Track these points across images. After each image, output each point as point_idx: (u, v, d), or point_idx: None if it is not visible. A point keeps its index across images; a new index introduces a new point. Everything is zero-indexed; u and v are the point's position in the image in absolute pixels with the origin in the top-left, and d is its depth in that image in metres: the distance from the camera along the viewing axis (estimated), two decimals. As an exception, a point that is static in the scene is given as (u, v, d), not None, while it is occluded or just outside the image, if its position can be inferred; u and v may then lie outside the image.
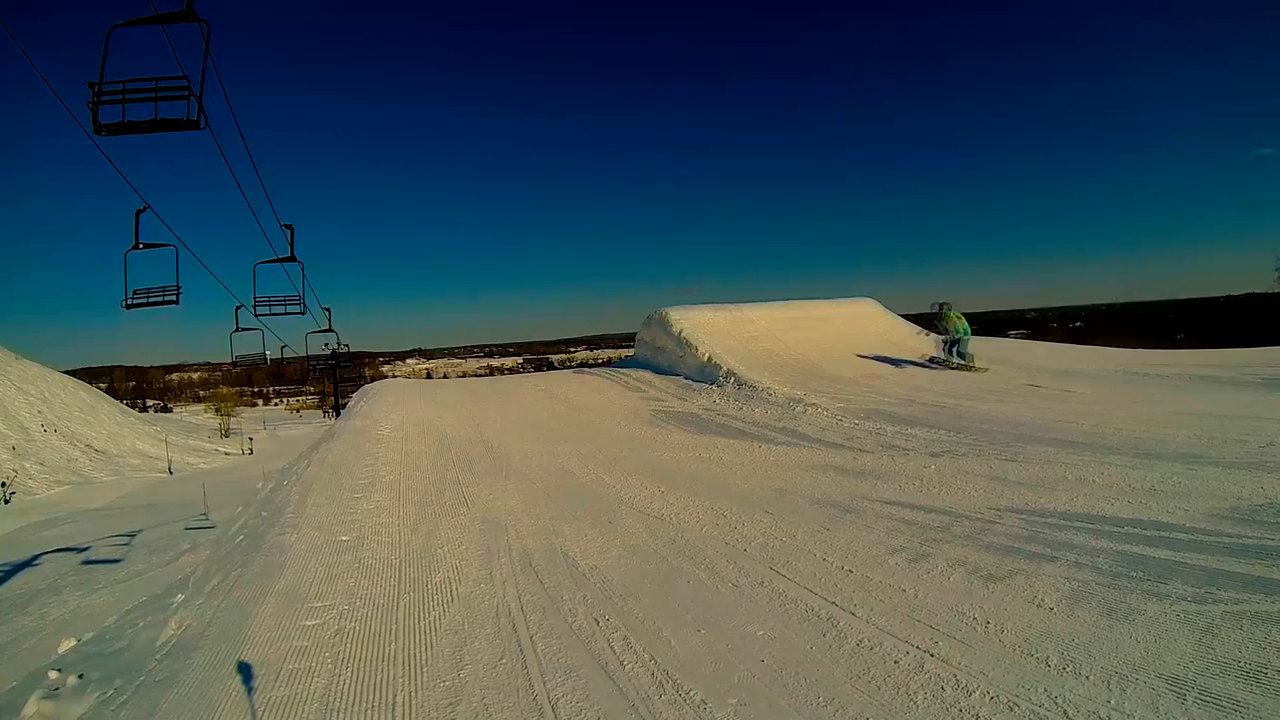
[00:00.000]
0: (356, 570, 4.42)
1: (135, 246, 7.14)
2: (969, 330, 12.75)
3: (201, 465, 36.41)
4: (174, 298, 7.65)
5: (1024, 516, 4.56)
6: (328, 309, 22.40)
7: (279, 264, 10.46)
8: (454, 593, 4.10)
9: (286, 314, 11.94)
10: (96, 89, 4.69)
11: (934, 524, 4.63)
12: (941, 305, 13.12)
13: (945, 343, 12.85)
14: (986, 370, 11.90)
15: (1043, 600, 3.37)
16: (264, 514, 6.21)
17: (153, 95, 4.77)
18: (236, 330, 13.69)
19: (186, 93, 4.72)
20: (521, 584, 4.18)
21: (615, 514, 5.52)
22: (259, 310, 11.53)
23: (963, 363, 12.33)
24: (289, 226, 10.43)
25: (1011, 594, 3.48)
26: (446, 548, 4.85)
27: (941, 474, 5.85)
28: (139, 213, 6.99)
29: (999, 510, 4.76)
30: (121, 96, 4.75)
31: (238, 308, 12.80)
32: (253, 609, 3.92)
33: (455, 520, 5.51)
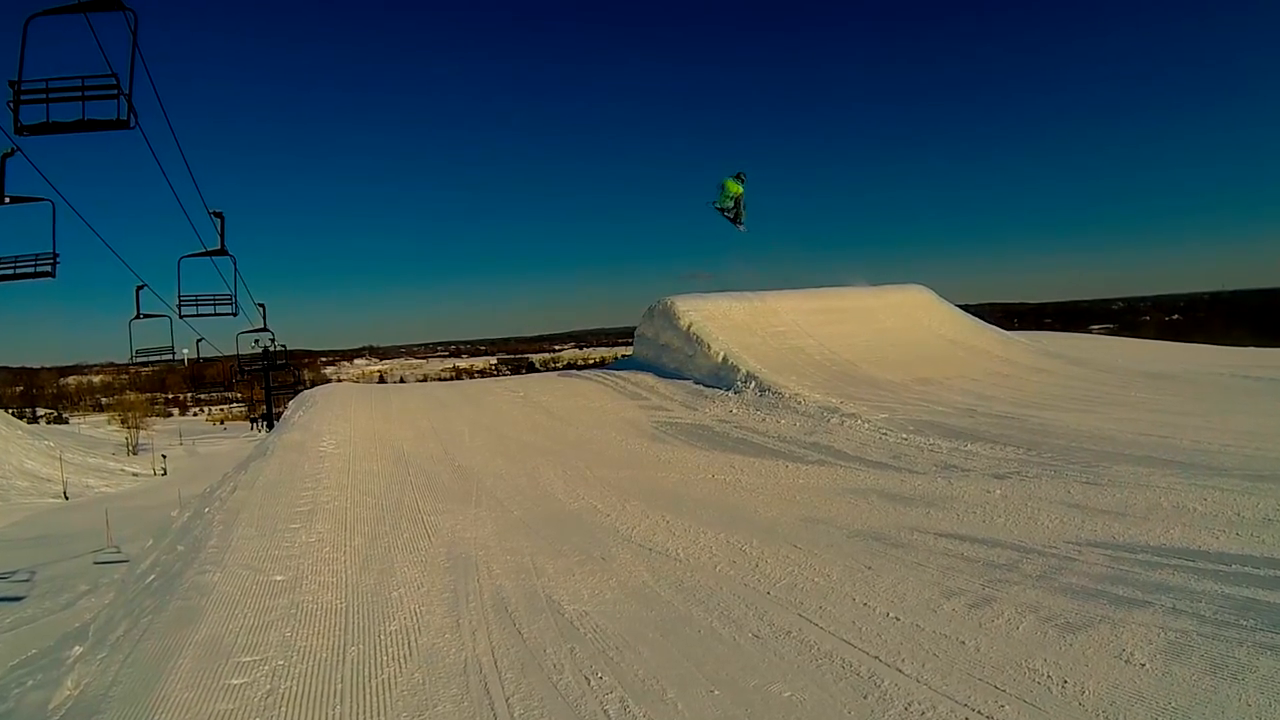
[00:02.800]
0: (293, 617, 4.42)
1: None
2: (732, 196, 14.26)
3: (104, 489, 36.40)
4: (49, 268, 7.59)
5: (1109, 552, 4.56)
6: (262, 305, 22.56)
7: (207, 258, 10.56)
8: (412, 645, 4.09)
9: (216, 315, 12.01)
10: (16, 87, 4.92)
11: (999, 561, 4.62)
12: (739, 174, 14.47)
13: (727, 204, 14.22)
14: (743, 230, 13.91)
15: (1132, 655, 3.37)
16: (180, 548, 6.21)
17: (79, 95, 5.14)
18: (137, 317, 13.37)
19: (116, 92, 5.09)
20: (495, 634, 4.18)
21: (610, 549, 5.52)
22: (184, 310, 11.61)
23: (731, 210, 14.08)
24: (218, 214, 10.53)
25: (1093, 647, 3.48)
26: (403, 590, 4.84)
27: (1008, 500, 5.84)
28: (4, 158, 6.88)
29: (1078, 544, 4.75)
30: (45, 96, 5.03)
31: (139, 288, 12.65)
32: (166, 664, 3.91)
33: (414, 556, 5.51)
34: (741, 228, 14.17)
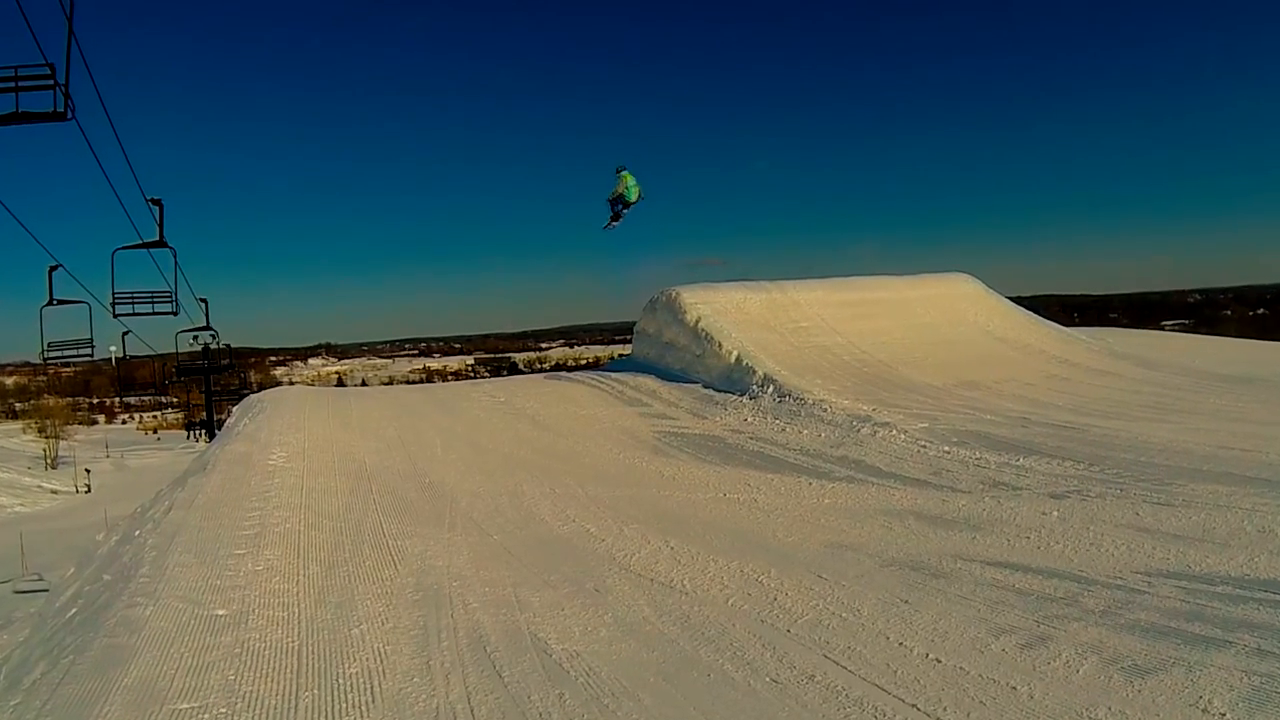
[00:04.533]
0: (238, 658, 4.41)
1: None
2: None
3: (19, 508, 36.43)
4: None
5: (1183, 584, 4.56)
6: (204, 300, 22.71)
7: (145, 250, 10.61)
8: (376, 690, 4.09)
9: (155, 314, 12.03)
10: None
11: (1056, 594, 4.63)
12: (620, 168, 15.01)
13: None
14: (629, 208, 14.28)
15: (1210, 703, 3.37)
16: (107, 577, 6.21)
17: (13, 86, 5.48)
18: (50, 304, 12.95)
19: (51, 83, 5.39)
20: (471, 678, 4.17)
21: (604, 579, 5.52)
22: (119, 309, 11.65)
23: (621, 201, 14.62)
24: (157, 202, 10.58)
25: (1165, 693, 3.48)
26: (365, 626, 4.84)
27: (1067, 523, 5.85)
28: None
29: (1148, 575, 4.76)
30: None
31: (52, 269, 12.41)
32: (90, 712, 3.91)
33: (378, 587, 5.50)
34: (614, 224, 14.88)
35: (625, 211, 14.50)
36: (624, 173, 14.39)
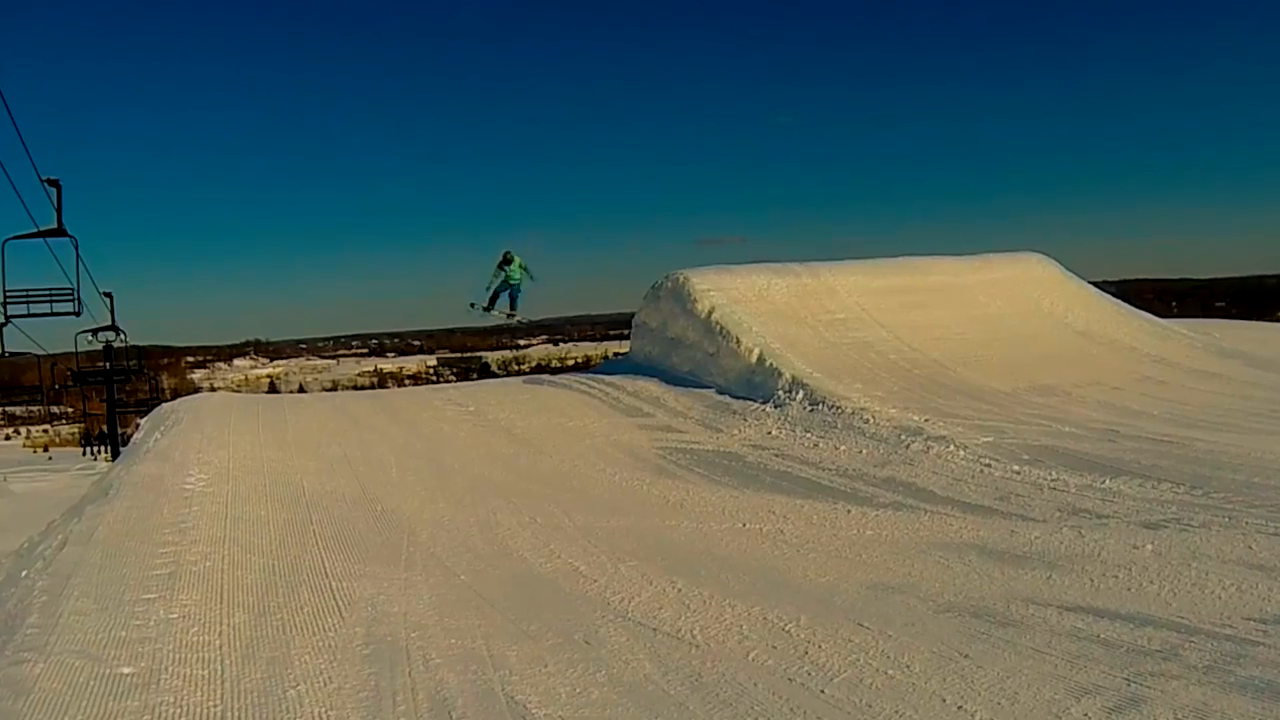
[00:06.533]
0: (147, 726, 4.40)
1: None
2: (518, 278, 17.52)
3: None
4: None
5: (1307, 633, 4.55)
6: (109, 294, 22.72)
7: (40, 239, 10.61)
8: (317, 766, 4.08)
9: (54, 314, 12.06)
10: None
11: (1151, 646, 4.62)
12: (506, 253, 17.50)
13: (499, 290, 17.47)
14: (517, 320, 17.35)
15: (1340, 779, 3.37)
16: (-13, 628, 6.19)
17: None
18: None
19: None
20: (434, 750, 4.16)
21: (597, 628, 5.52)
22: (11, 310, 11.71)
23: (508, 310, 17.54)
24: (53, 182, 10.58)
25: (1286, 768, 3.47)
26: (304, 686, 4.83)
27: (1164, 560, 5.85)
28: None
29: (1263, 622, 4.75)
30: None
31: None
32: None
33: (320, 639, 5.49)
34: (513, 315, 17.85)
35: (511, 299, 17.43)
36: (509, 267, 16.97)
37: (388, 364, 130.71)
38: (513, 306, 17.71)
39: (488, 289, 17.33)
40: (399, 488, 9.27)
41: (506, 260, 17.21)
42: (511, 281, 17.27)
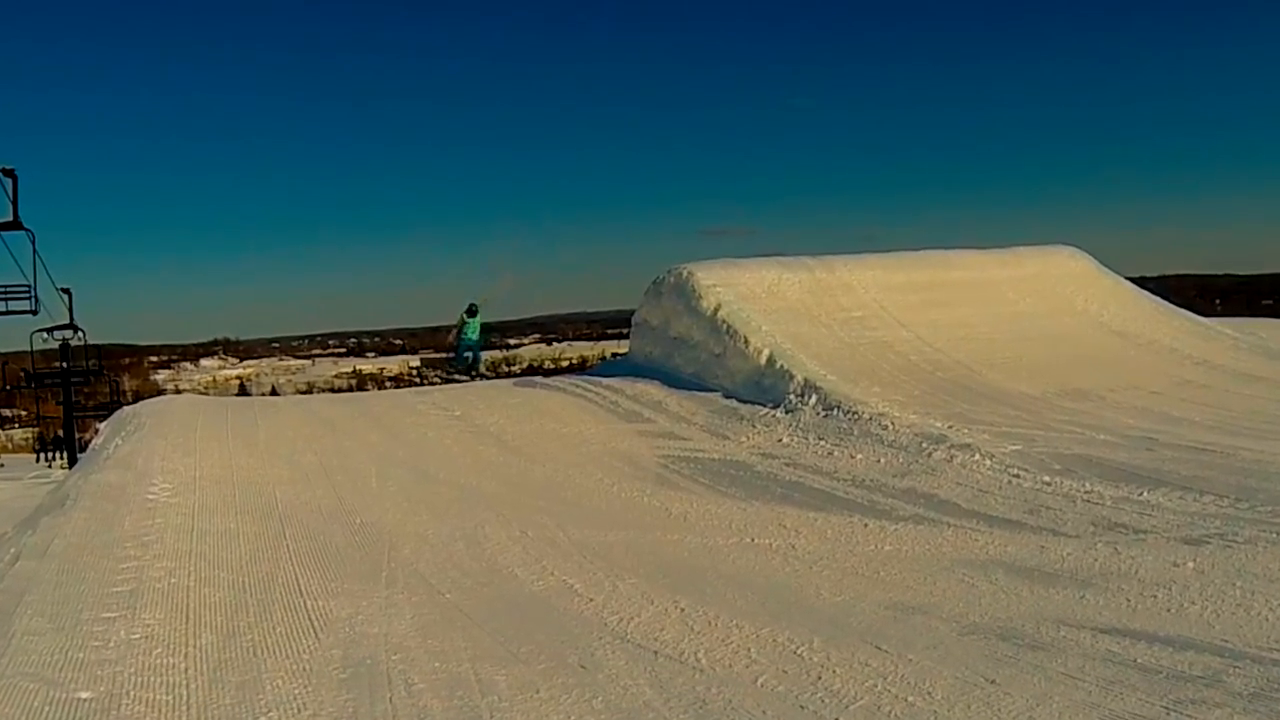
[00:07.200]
0: (103, 757, 4.38)
1: None
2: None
3: None
4: None
5: (1365, 659, 4.51)
6: (67, 291, 22.86)
7: None
8: (287, 801, 4.05)
9: (9, 313, 12.14)
10: None
11: (1192, 671, 4.59)
12: (471, 305, 18.49)
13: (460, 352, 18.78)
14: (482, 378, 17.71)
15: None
16: (-67, 649, 6.18)
17: None
18: None
19: None
20: (415, 784, 4.13)
21: (593, 651, 5.49)
22: None
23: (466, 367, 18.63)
24: (9, 172, 10.65)
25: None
26: (276, 713, 4.79)
27: (1206, 578, 5.82)
28: None
29: (1317, 646, 4.71)
30: None
31: None
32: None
33: (293, 662, 5.46)
34: (474, 374, 18.68)
35: (472, 357, 18.62)
36: (471, 319, 18.05)
37: (367, 365, 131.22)
38: (474, 364, 18.80)
39: (450, 342, 19.04)
40: (379, 499, 9.24)
41: (471, 312, 18.21)
42: (468, 339, 18.44)
